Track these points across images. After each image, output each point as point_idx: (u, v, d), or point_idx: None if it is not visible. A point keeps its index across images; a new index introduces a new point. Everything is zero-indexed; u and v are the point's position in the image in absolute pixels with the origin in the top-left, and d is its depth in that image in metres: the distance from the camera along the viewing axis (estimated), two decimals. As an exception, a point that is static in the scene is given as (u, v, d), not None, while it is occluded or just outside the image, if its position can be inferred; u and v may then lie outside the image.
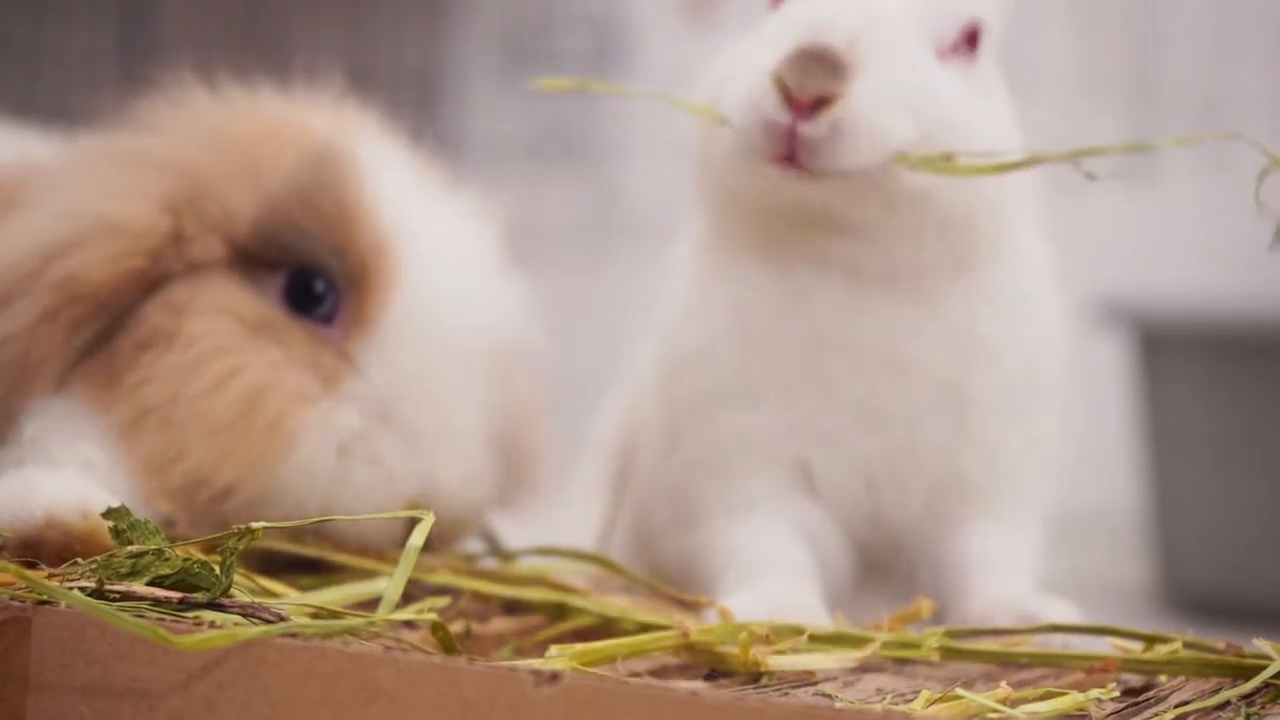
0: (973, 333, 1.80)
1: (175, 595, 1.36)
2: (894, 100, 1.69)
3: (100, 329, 1.72)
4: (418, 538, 1.34)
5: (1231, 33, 4.78)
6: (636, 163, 4.75)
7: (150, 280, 1.74)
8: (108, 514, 1.41)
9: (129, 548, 1.39)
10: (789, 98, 1.65)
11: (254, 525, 1.37)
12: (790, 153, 1.67)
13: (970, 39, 1.79)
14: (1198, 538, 3.50)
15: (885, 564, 1.88)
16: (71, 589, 1.33)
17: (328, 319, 1.77)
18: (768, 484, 1.83)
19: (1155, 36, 4.82)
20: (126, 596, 1.35)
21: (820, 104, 1.65)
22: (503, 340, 1.89)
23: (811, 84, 1.64)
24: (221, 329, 1.71)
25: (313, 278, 1.77)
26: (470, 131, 4.67)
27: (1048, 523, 1.92)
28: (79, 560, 1.42)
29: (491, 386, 1.86)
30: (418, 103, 4.64)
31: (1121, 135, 4.80)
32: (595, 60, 4.84)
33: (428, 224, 1.84)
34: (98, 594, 1.34)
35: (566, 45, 4.88)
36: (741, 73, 1.71)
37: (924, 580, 1.85)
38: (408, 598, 1.55)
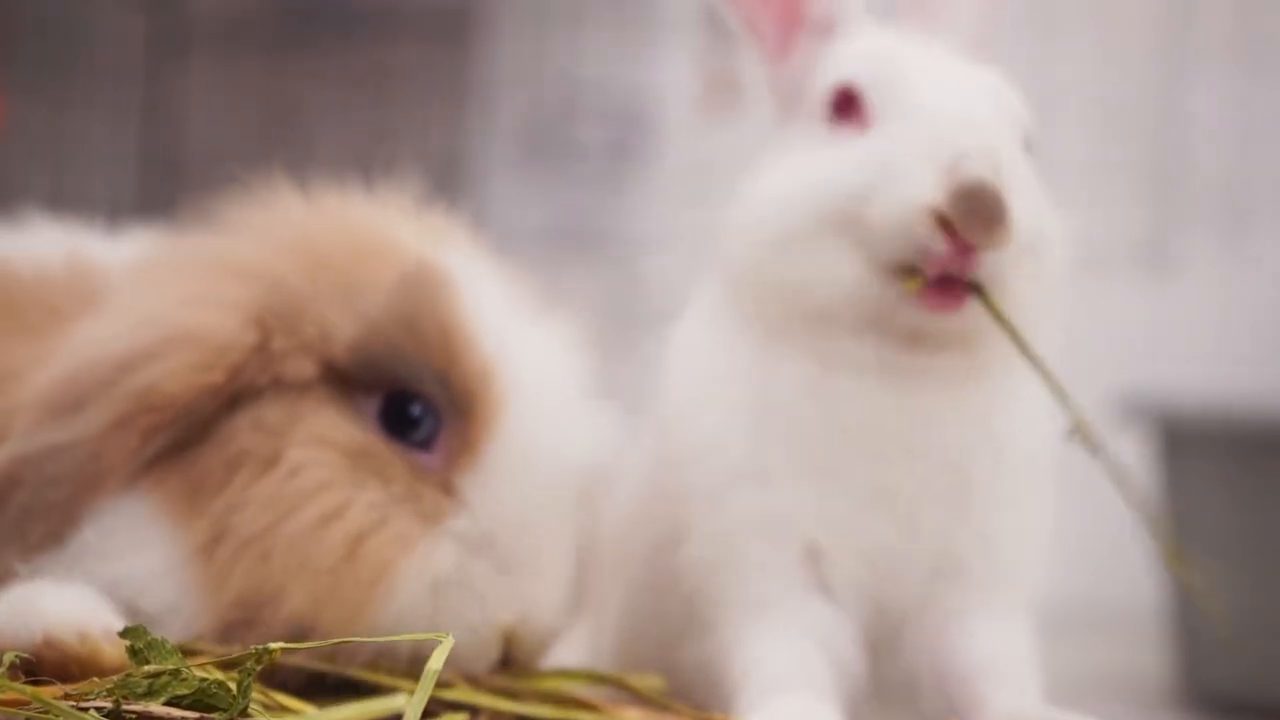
0: (987, 425, 1.82)
1: (193, 715, 1.36)
2: (1036, 231, 1.73)
3: (177, 437, 1.70)
4: (436, 661, 1.34)
5: (1254, 123, 4.79)
6: (656, 254, 4.77)
7: (232, 393, 1.70)
8: (125, 633, 1.41)
9: (146, 667, 1.39)
10: (952, 234, 1.67)
11: (271, 646, 1.37)
12: (944, 287, 1.71)
13: (1027, 145, 1.84)
14: (1215, 637, 3.48)
15: (886, 670, 1.88)
16: (87, 709, 1.32)
17: (426, 444, 1.74)
18: (781, 577, 1.83)
19: (1177, 125, 4.83)
20: (143, 717, 1.34)
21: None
22: (593, 467, 1.86)
23: (984, 232, 1.66)
24: (324, 460, 1.68)
25: (410, 401, 1.73)
26: (491, 220, 4.69)
27: (1063, 618, 1.94)
28: (96, 679, 1.40)
29: (581, 512, 1.85)
30: (439, 191, 4.66)
31: (1142, 224, 4.81)
32: (617, 151, 4.87)
33: (527, 348, 1.80)
34: (114, 715, 1.34)
35: (588, 136, 4.90)
36: (888, 198, 1.72)
37: (928, 686, 1.85)
38: (427, 714, 1.55)
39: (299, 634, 1.63)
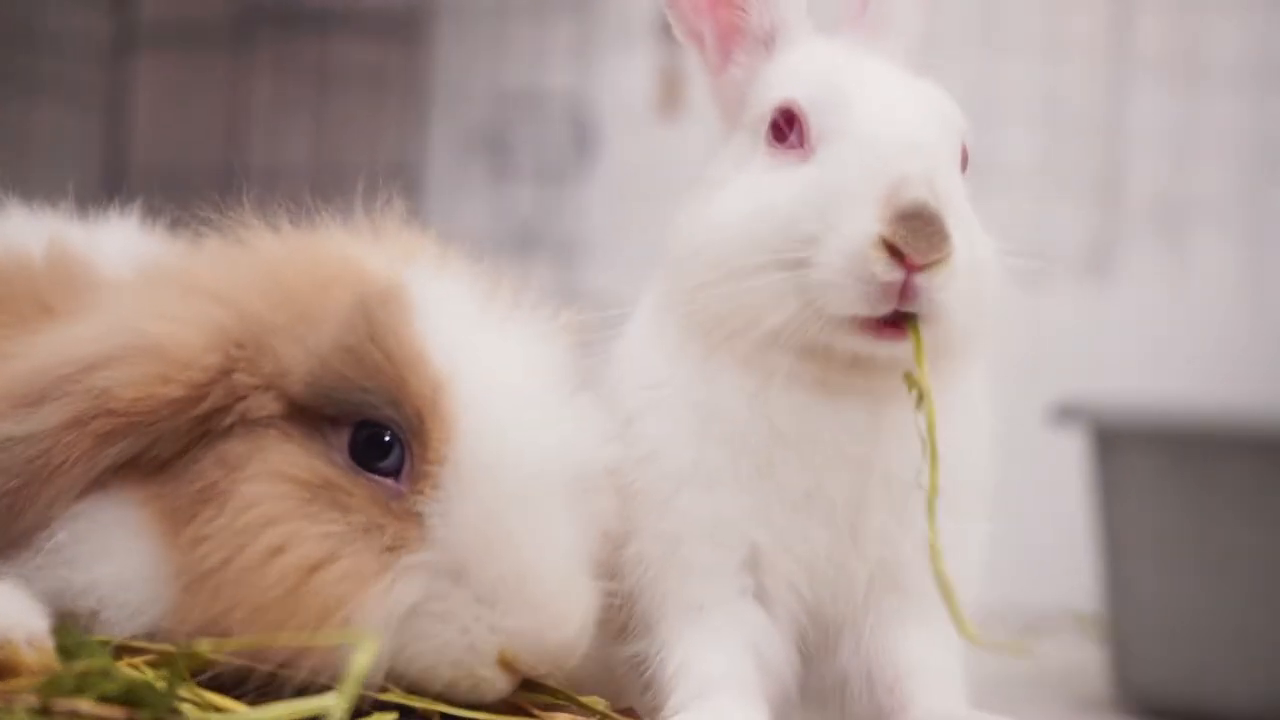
0: (926, 436, 1.82)
1: (121, 713, 1.36)
2: (972, 257, 1.78)
3: (145, 449, 1.69)
4: (362, 662, 1.34)
5: (1191, 134, 4.84)
6: (597, 257, 4.78)
7: (198, 418, 1.70)
8: (56, 630, 1.41)
9: (75, 665, 1.39)
10: (898, 256, 1.71)
11: (195, 645, 1.37)
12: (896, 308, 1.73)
13: (964, 161, 1.87)
14: (1151, 638, 3.51)
15: (820, 673, 1.91)
16: (14, 708, 1.33)
17: (395, 472, 1.71)
18: (719, 580, 1.86)
19: (1117, 135, 4.87)
20: (72, 715, 1.35)
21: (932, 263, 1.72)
22: (577, 463, 1.79)
23: (928, 250, 1.71)
24: (277, 494, 1.66)
25: (379, 430, 1.70)
26: (445, 224, 4.70)
27: (997, 621, 1.96)
28: (23, 679, 1.41)
29: (576, 514, 1.78)
30: (387, 191, 4.65)
31: (1083, 232, 4.85)
32: (570, 151, 4.87)
33: (487, 358, 1.76)
34: (43, 712, 1.35)
35: (541, 138, 4.91)
36: (834, 231, 1.75)
37: (856, 690, 1.88)
38: (360, 714, 1.57)
39: (258, 660, 1.62)
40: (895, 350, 1.77)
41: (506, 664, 1.70)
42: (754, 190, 1.84)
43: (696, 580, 1.87)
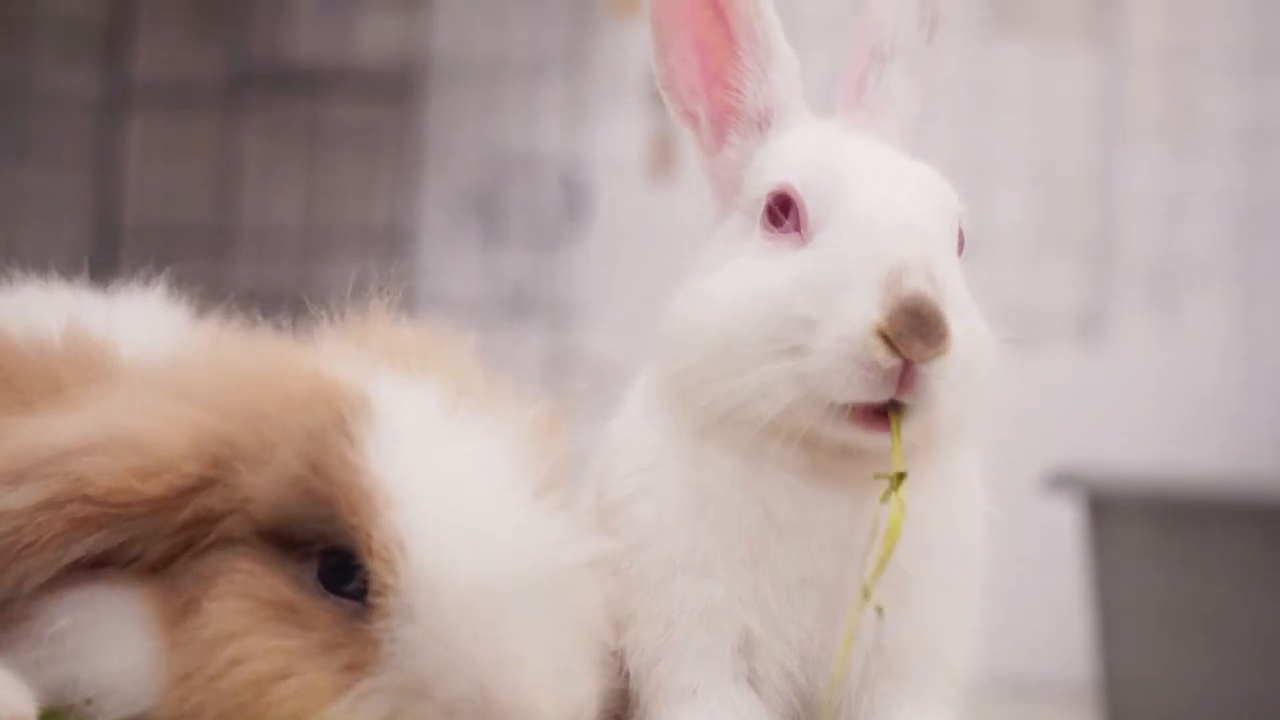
0: (919, 522, 1.82)
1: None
2: (970, 346, 1.77)
3: (118, 543, 1.70)
4: None
5: (1184, 196, 4.86)
6: (589, 320, 4.79)
7: (180, 526, 1.71)
8: (44, 716, 1.42)
9: None
10: (894, 348, 1.70)
11: None
12: (894, 393, 1.72)
13: (961, 244, 1.86)
14: (1145, 706, 3.51)
15: None
16: None
17: (361, 596, 1.69)
18: (712, 665, 1.85)
19: (1109, 197, 4.89)
20: None
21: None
22: (541, 564, 1.74)
23: (925, 348, 1.70)
24: (240, 611, 1.67)
25: (341, 557, 1.70)
26: (436, 286, 4.70)
27: (994, 690, 1.96)
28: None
29: (549, 615, 1.73)
30: (385, 258, 4.67)
31: (1075, 294, 4.86)
32: (556, 217, 4.89)
33: (441, 472, 1.74)
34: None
35: (533, 200, 4.92)
36: (834, 317, 1.74)
37: None
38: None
39: None
40: (885, 442, 1.76)
41: None
42: (749, 275, 1.84)
43: (689, 665, 1.86)
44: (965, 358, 1.75)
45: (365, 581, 1.69)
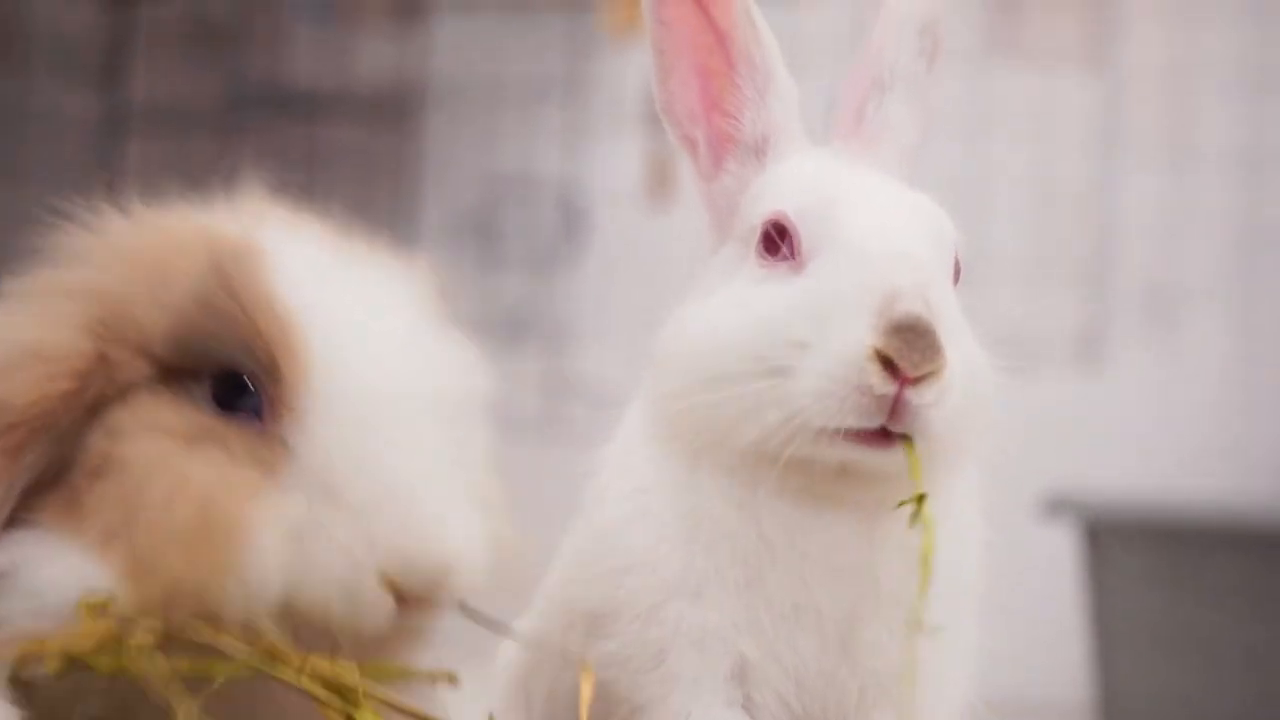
0: (917, 547, 1.81)
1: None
2: (966, 372, 1.76)
3: (52, 458, 1.72)
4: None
5: (1181, 218, 4.86)
6: (587, 342, 4.79)
7: (87, 405, 1.74)
8: None
9: None
10: (890, 369, 1.70)
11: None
12: (885, 421, 1.72)
13: (957, 273, 1.86)
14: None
15: None
16: None
17: (258, 413, 1.76)
18: (705, 691, 1.85)
19: (1107, 220, 4.89)
20: None
21: (925, 376, 1.71)
22: (441, 388, 1.82)
23: (921, 362, 1.70)
24: (158, 445, 1.72)
25: (235, 378, 1.76)
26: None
27: (998, 710, 1.96)
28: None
29: (447, 439, 1.80)
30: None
31: (1073, 318, 4.86)
32: (560, 236, 4.89)
33: (340, 296, 1.81)
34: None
35: (531, 222, 4.93)
36: (827, 340, 1.74)
37: None
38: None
39: (200, 604, 1.67)
40: (883, 460, 1.76)
41: (390, 583, 1.71)
42: (743, 300, 1.84)
43: (683, 691, 1.85)
44: (960, 383, 1.75)
45: (261, 401, 1.74)
